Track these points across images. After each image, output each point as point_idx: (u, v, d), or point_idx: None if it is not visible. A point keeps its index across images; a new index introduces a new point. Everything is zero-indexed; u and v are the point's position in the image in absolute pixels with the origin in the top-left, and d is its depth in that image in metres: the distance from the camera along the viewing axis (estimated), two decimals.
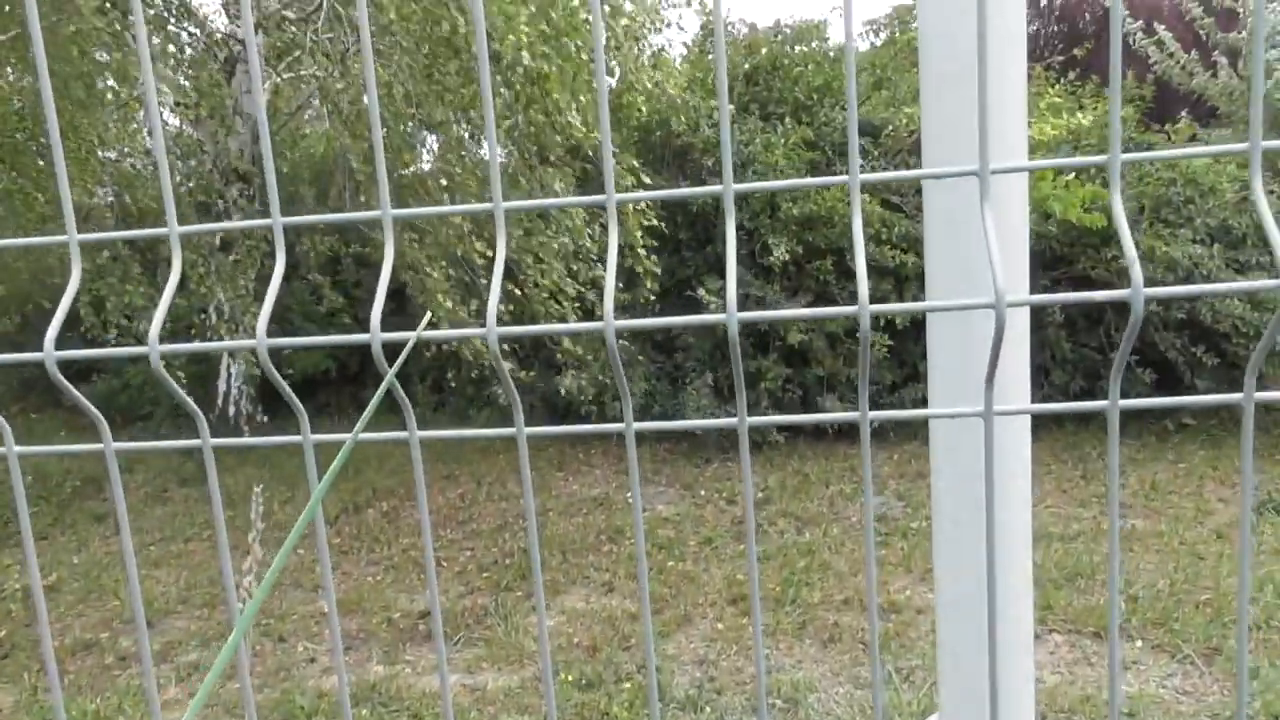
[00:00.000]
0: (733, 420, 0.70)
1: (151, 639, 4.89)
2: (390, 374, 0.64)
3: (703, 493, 6.60)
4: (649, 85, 6.70)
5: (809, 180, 0.65)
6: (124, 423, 9.14)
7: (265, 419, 8.78)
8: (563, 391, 7.35)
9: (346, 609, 4.99)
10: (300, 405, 0.75)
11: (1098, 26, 20.68)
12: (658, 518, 6.14)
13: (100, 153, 9.38)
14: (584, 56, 6.30)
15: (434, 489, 6.90)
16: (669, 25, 7.69)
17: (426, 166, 8.60)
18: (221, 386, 8.47)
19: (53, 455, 0.83)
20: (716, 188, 0.67)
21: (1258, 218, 0.59)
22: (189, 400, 0.72)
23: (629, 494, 6.64)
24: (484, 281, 7.14)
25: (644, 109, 7.02)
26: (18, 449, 0.78)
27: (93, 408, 0.74)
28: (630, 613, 4.77)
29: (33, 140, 8.62)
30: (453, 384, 7.75)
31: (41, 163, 8.67)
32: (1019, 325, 1.16)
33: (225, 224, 0.72)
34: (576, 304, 7.24)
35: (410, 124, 6.96)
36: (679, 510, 6.27)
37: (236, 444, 0.79)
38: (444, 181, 6.83)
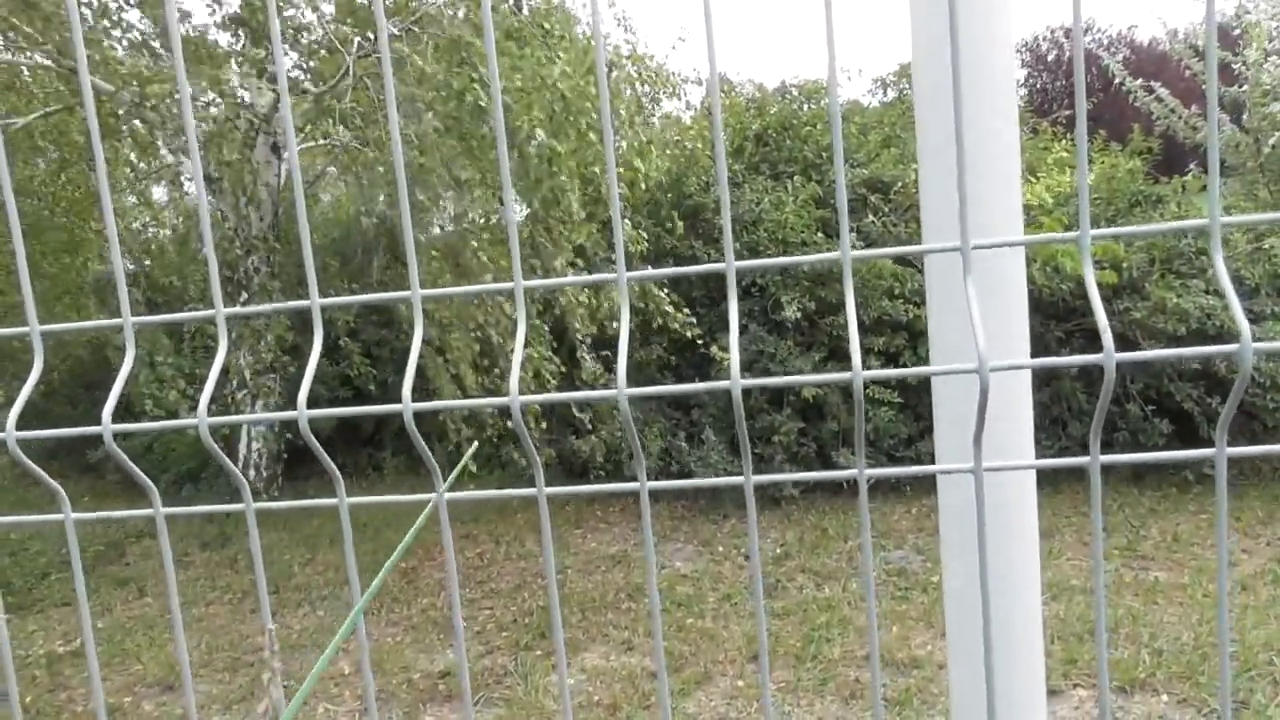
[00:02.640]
0: (739, 479, 0.75)
1: (173, 703, 4.90)
2: (467, 456, 0.70)
3: (720, 549, 6.58)
4: (659, 147, 6.86)
5: (805, 258, 0.70)
6: (138, 488, 9.21)
7: (281, 481, 8.85)
8: (579, 451, 7.40)
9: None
10: (336, 470, 0.81)
11: (1104, 80, 20.94)
12: (676, 575, 6.13)
13: (121, 224, 9.60)
14: (592, 137, 6.46)
15: (453, 548, 6.91)
16: (675, 94, 7.90)
17: (450, 227, 8.78)
18: (242, 451, 8.55)
19: (107, 520, 0.88)
20: (719, 265, 0.73)
21: (1219, 285, 0.65)
22: (235, 470, 0.77)
23: None
24: (498, 339, 7.25)
25: (655, 171, 7.18)
26: (74, 515, 0.84)
27: (144, 476, 0.79)
28: (650, 671, 4.75)
29: (51, 215, 8.83)
30: (468, 442, 7.81)
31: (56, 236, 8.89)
32: (1017, 386, 1.20)
33: (267, 306, 0.79)
34: (597, 358, 7.33)
35: (436, 182, 7.13)
36: (697, 567, 6.25)
37: (278, 508, 0.85)
38: (474, 244, 6.98)
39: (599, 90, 0.79)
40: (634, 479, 7.64)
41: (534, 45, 6.32)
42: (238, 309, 0.82)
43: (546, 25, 6.66)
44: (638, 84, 7.37)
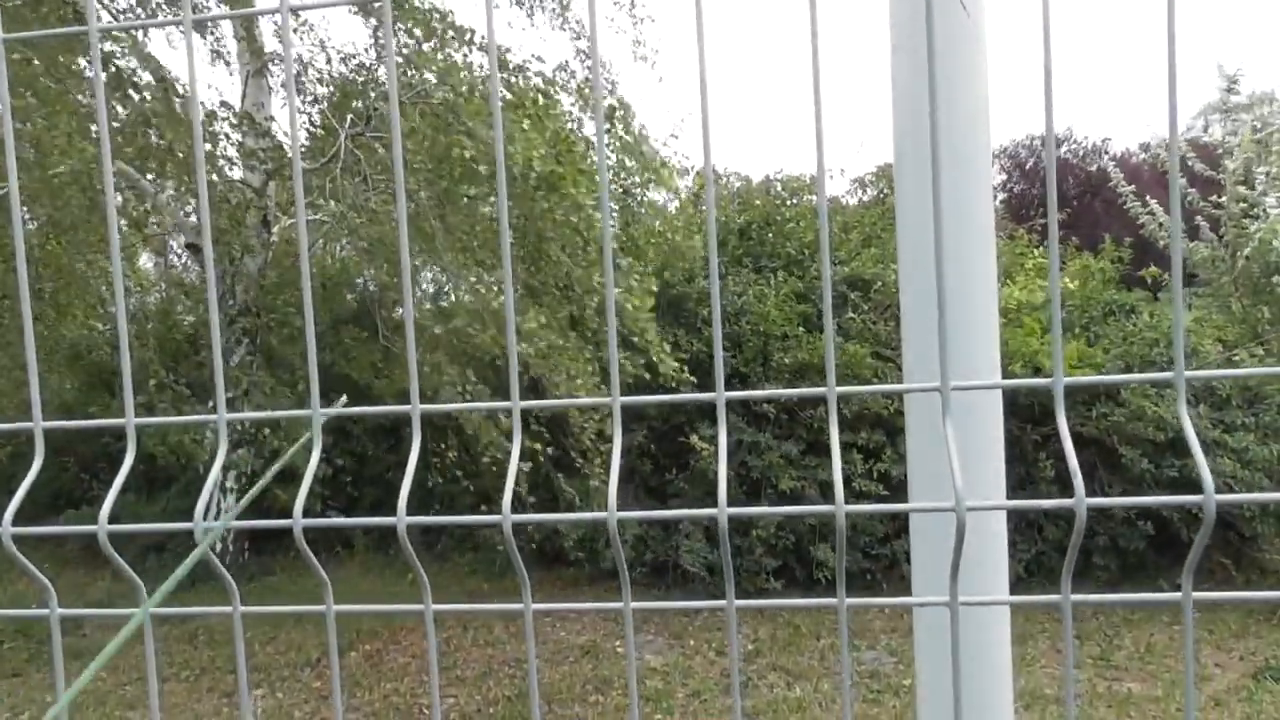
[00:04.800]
0: (722, 602, 0.77)
1: None
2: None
3: (691, 643, 6.49)
4: (645, 237, 6.98)
5: (789, 391, 0.74)
6: (80, 556, 9.01)
7: (248, 555, 8.70)
8: (556, 534, 7.33)
9: None
10: (325, 577, 0.82)
11: (1079, 189, 21.58)
12: (646, 668, 6.03)
13: (105, 292, 9.60)
14: (590, 201, 6.53)
15: (417, 632, 6.78)
16: (662, 183, 8.07)
17: (429, 306, 8.84)
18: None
19: (92, 617, 0.88)
20: (710, 395, 0.76)
21: (1184, 434, 0.69)
22: (228, 577, 0.78)
23: (618, 643, 6.54)
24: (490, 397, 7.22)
25: (645, 257, 7.29)
26: (60, 610, 0.84)
27: (135, 577, 0.80)
28: None
29: (39, 280, 8.83)
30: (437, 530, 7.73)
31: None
32: (993, 521, 1.22)
33: (269, 414, 0.81)
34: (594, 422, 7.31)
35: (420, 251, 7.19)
36: (667, 661, 6.15)
37: (265, 612, 0.86)
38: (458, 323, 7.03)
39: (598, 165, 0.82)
40: (610, 571, 7.56)
41: (517, 117, 6.41)
42: (241, 414, 0.84)
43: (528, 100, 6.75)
44: (628, 171, 7.53)
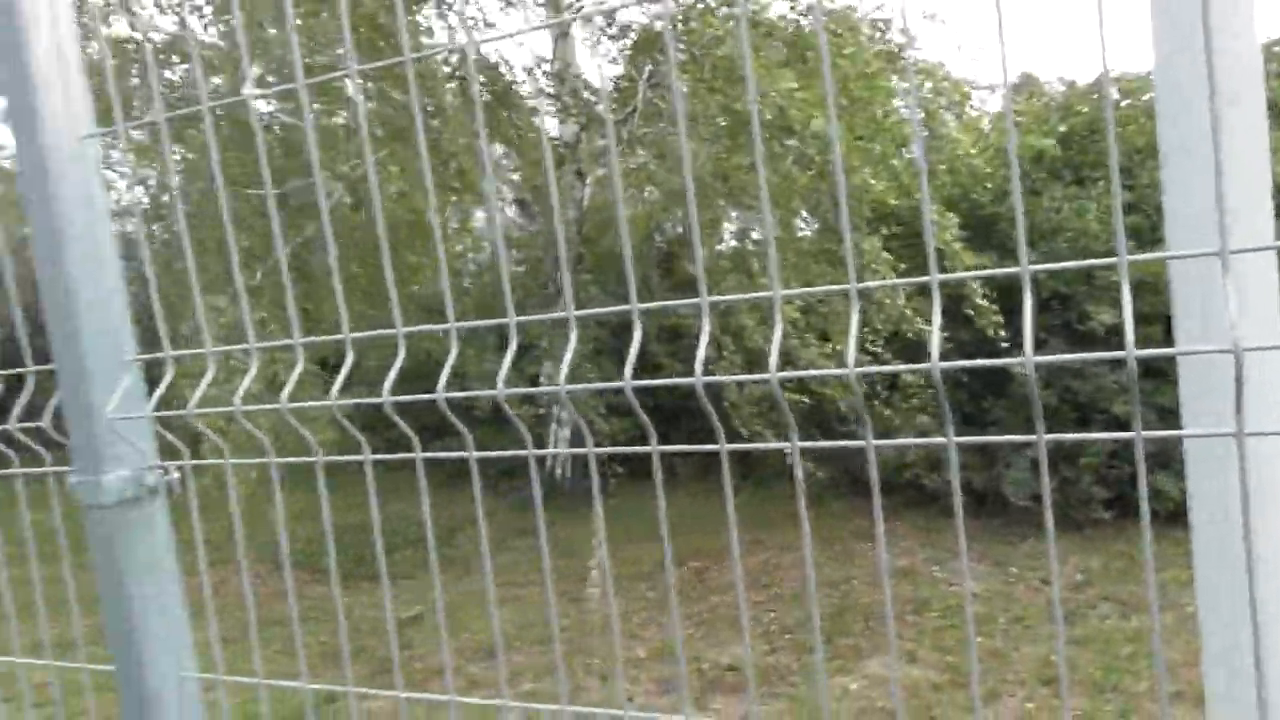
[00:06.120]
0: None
1: (495, 668, 5.54)
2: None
3: (1014, 570, 6.35)
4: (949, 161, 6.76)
5: (1095, 261, 0.84)
6: (447, 480, 10.29)
7: (580, 480, 9.57)
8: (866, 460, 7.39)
9: (659, 657, 5.36)
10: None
11: None
12: (964, 592, 6.01)
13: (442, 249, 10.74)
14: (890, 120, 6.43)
15: (741, 552, 7.19)
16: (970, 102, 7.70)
17: (734, 242, 9.13)
18: (550, 444, 9.34)
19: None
20: (1014, 269, 0.86)
21: None
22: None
23: (936, 568, 6.55)
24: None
25: (948, 179, 7.07)
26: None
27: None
28: (934, 683, 4.73)
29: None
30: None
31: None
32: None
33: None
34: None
35: (713, 195, 7.45)
36: (989, 587, 6.09)
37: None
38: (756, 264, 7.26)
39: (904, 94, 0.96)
40: (933, 495, 7.51)
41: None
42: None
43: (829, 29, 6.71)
44: (933, 95, 7.27)
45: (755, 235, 9.01)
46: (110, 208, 1.20)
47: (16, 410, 1.33)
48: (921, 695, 4.62)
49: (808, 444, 1.08)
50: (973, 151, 7.07)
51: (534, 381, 8.73)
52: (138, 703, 1.18)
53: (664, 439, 1.09)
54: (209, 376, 1.09)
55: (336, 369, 1.08)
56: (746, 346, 7.76)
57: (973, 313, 6.64)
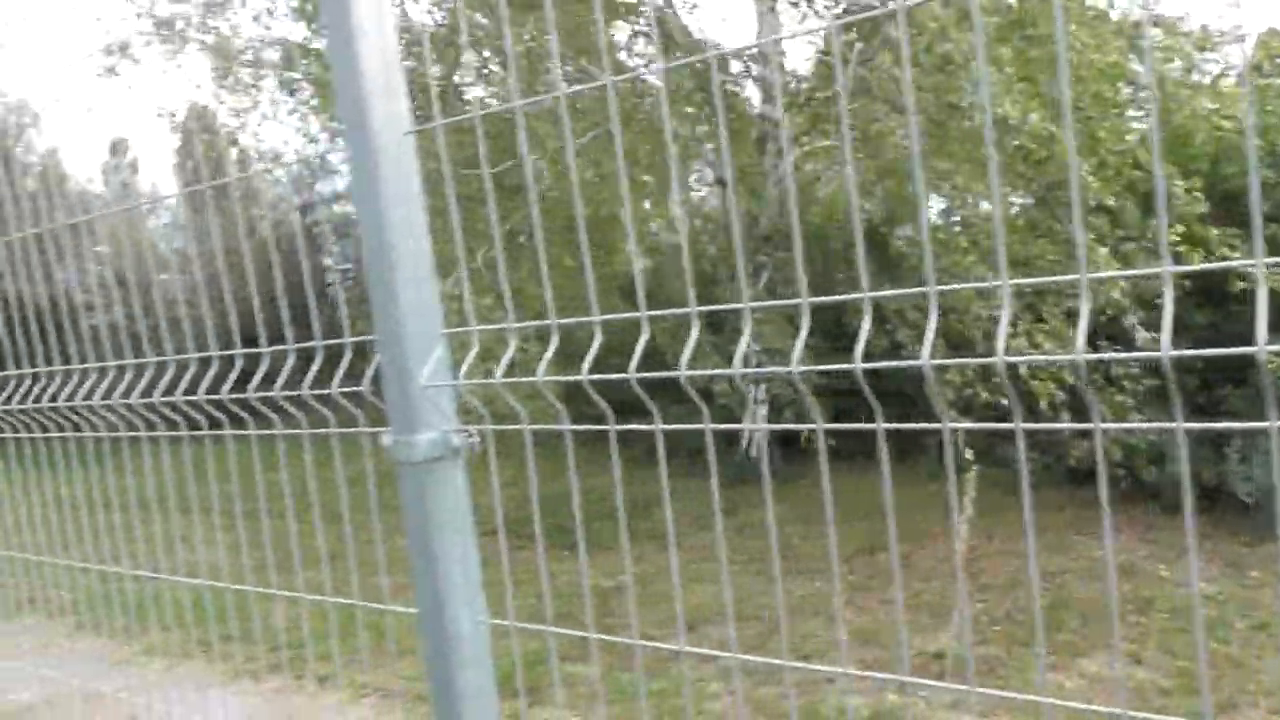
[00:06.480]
0: None
1: (693, 642, 5.67)
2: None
3: (1254, 574, 5.87)
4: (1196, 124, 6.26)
5: None
6: (644, 456, 10.50)
7: (780, 459, 9.56)
8: (1087, 449, 7.02)
9: (864, 638, 5.32)
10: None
11: None
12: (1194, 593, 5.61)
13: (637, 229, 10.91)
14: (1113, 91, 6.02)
15: (941, 538, 6.99)
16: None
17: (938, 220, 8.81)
18: (746, 424, 9.39)
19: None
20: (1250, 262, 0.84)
21: None
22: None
23: (1161, 566, 6.14)
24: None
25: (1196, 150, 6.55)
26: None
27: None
28: (1161, 687, 4.46)
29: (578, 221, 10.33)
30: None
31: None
32: None
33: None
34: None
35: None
36: (1221, 589, 5.66)
37: None
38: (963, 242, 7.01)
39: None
40: (1153, 490, 7.04)
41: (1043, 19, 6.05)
42: (763, 304, 1.11)
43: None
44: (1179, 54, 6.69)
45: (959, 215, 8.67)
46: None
47: (338, 375, 1.50)
48: (1148, 699, 4.37)
49: (1032, 425, 1.07)
50: (1225, 123, 6.49)
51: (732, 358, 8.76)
52: (441, 643, 1.31)
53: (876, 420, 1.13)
54: (510, 351, 1.20)
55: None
56: (950, 328, 7.51)
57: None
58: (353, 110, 1.22)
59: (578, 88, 1.32)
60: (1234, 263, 5.91)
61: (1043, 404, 6.87)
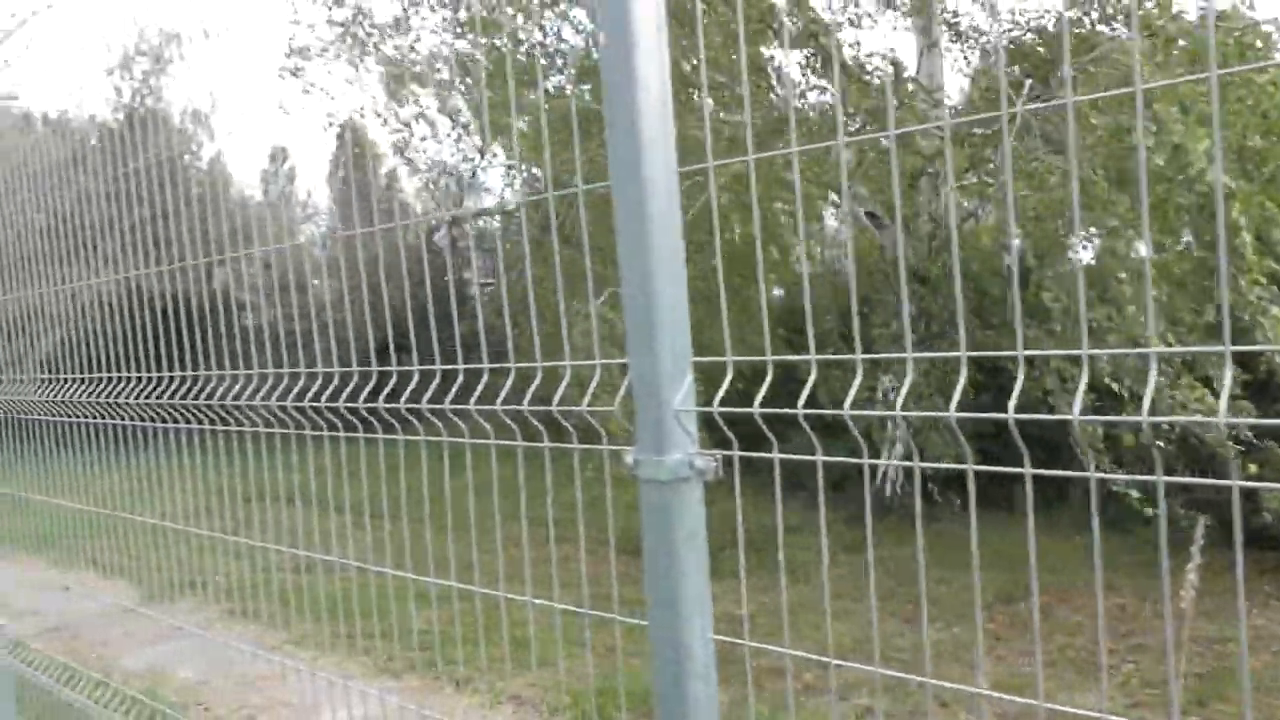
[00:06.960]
0: None
1: (824, 675, 5.60)
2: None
3: None
4: None
5: None
6: (766, 489, 10.41)
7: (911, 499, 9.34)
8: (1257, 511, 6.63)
9: (1004, 690, 5.15)
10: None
11: None
12: None
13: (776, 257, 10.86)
14: None
15: (1086, 592, 6.71)
16: None
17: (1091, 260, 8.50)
18: (883, 460, 9.23)
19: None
20: None
21: None
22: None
23: None
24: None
25: None
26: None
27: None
28: None
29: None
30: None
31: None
32: None
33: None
34: None
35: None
36: None
37: None
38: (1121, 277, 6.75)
39: None
40: None
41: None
42: (917, 354, 1.13)
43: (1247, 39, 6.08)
44: None
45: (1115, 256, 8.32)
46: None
47: (559, 392, 1.60)
48: None
49: (1172, 479, 1.09)
50: None
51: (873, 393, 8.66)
52: (674, 654, 1.38)
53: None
54: (769, 382, 1.26)
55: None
56: (1099, 381, 7.22)
57: None
58: (627, 155, 1.32)
59: (804, 148, 1.39)
60: None
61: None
